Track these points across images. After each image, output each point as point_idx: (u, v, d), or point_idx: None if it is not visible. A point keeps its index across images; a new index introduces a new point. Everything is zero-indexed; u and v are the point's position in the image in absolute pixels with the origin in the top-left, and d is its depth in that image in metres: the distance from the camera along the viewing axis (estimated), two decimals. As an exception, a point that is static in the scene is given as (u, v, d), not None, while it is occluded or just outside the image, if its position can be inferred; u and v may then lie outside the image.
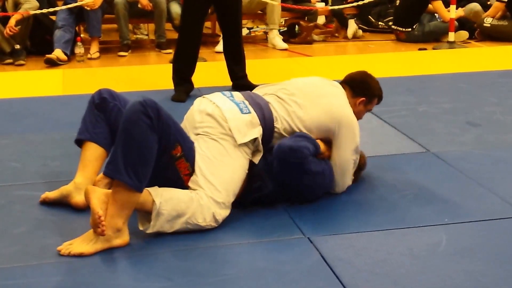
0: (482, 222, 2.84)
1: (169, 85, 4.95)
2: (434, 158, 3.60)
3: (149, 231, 2.66)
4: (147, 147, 2.59)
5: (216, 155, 2.79)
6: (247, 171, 2.87)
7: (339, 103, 3.04)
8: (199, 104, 2.96)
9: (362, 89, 3.15)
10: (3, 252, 2.61)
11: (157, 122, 2.60)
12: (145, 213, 2.67)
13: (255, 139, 2.88)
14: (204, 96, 3.02)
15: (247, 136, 2.85)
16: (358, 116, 3.14)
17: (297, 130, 2.97)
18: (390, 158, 3.60)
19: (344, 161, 3.01)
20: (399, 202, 3.04)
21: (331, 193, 3.06)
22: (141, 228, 2.68)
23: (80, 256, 2.53)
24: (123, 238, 2.60)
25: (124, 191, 2.56)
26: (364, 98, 3.14)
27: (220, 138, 2.82)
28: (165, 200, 2.65)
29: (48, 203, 3.00)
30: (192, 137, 2.84)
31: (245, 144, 2.85)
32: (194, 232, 2.70)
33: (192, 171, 2.75)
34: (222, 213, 2.75)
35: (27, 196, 3.09)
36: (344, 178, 3.04)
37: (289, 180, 2.91)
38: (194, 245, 2.63)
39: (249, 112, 2.91)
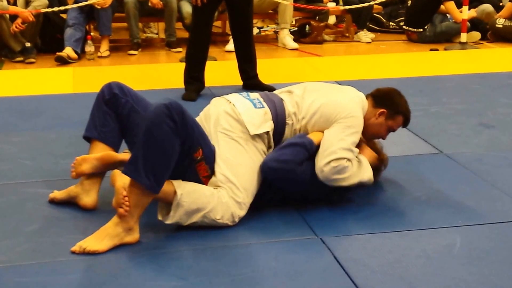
0: (496, 224, 2.82)
1: (179, 83, 4.95)
2: (447, 160, 3.58)
3: (168, 221, 2.66)
4: (170, 151, 2.57)
5: (237, 156, 2.79)
6: None
7: (348, 98, 2.97)
8: (216, 103, 2.97)
9: (384, 101, 3.04)
10: (16, 250, 2.60)
11: (181, 126, 2.58)
12: (165, 204, 2.67)
13: (267, 134, 2.89)
14: (222, 96, 3.03)
15: (260, 128, 2.85)
16: (378, 130, 3.05)
17: (306, 123, 2.93)
18: (402, 159, 3.58)
19: (329, 143, 2.82)
20: (412, 203, 3.02)
21: (343, 191, 3.02)
22: (160, 218, 2.68)
23: (95, 253, 2.53)
24: (134, 236, 2.61)
25: (139, 191, 2.56)
26: (384, 110, 3.02)
27: (240, 137, 2.82)
28: (186, 192, 2.65)
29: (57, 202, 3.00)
30: (212, 131, 2.83)
31: (261, 139, 2.86)
32: (207, 231, 2.70)
33: (211, 173, 2.76)
34: (240, 213, 2.76)
35: (39, 194, 3.09)
36: (323, 161, 2.79)
37: (287, 189, 2.90)
38: (207, 244, 2.63)
39: (263, 107, 2.92)
